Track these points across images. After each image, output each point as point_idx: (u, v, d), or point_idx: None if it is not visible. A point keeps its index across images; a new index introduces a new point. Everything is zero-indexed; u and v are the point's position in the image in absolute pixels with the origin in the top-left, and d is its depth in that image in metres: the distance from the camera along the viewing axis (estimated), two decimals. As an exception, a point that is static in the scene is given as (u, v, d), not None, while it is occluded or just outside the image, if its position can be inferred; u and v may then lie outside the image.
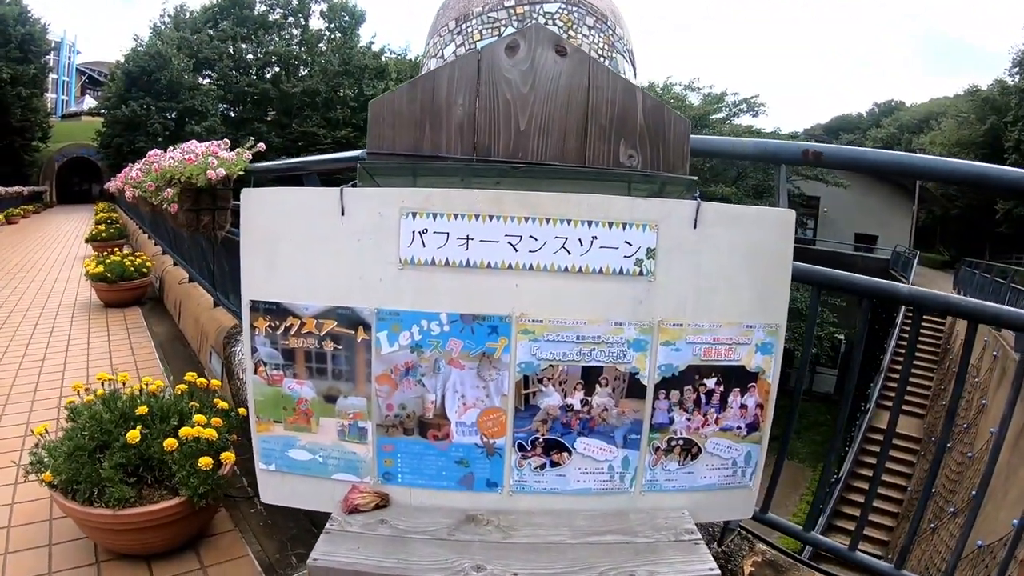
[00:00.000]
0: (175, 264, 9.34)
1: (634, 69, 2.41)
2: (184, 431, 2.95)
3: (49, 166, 43.80)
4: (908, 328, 20.35)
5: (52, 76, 54.70)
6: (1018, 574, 3.14)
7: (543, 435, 1.83)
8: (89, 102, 60.31)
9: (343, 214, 1.75)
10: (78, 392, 3.41)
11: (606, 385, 1.81)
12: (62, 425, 3.23)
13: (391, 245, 1.75)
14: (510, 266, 1.74)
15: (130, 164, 7.76)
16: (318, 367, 1.83)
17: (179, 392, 3.44)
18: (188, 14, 46.03)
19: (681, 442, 1.89)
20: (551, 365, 1.79)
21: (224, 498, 3.28)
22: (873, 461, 17.98)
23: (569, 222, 1.73)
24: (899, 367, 20.45)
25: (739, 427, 1.91)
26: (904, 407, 18.13)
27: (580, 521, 1.83)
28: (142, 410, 3.11)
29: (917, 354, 20.61)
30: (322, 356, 1.82)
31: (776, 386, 1.92)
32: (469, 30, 2.20)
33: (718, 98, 34.51)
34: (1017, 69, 35.26)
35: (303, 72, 46.90)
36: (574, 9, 2.15)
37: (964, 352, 2.26)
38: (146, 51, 41.13)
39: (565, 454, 1.84)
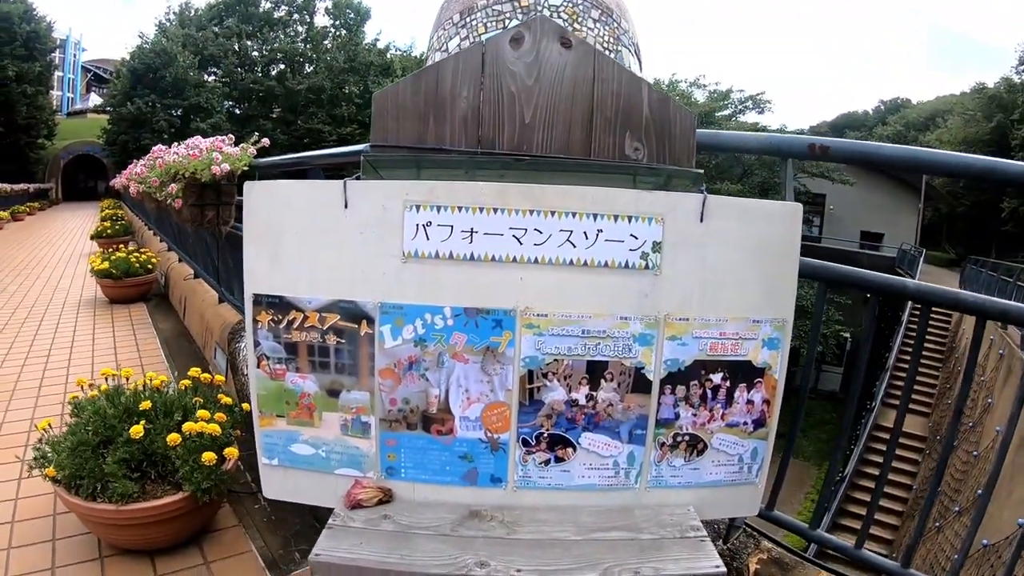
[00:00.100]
0: (180, 260, 9.35)
1: (639, 63, 2.39)
2: (187, 426, 2.94)
3: (55, 163, 43.90)
4: (914, 326, 20.38)
5: (57, 74, 54.85)
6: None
7: (548, 430, 1.81)
8: (94, 99, 60.42)
9: (346, 207, 1.74)
10: (82, 387, 3.40)
11: (611, 380, 1.79)
12: (66, 420, 3.23)
13: (395, 238, 1.73)
14: (515, 259, 1.72)
15: (135, 160, 7.77)
16: (321, 361, 1.82)
17: (183, 387, 3.44)
18: (193, 11, 46.10)
19: (687, 438, 1.87)
20: (556, 359, 1.77)
21: (228, 493, 3.27)
22: (878, 459, 17.96)
23: (574, 215, 1.72)
24: (905, 365, 20.44)
25: (745, 423, 1.90)
26: (909, 405, 18.11)
27: (585, 517, 1.82)
28: (146, 405, 3.10)
29: (923, 352, 20.59)
30: (325, 350, 1.80)
31: (783, 382, 1.90)
32: (474, 23, 2.18)
33: (724, 95, 34.50)
34: (1024, 67, 35.15)
35: (308, 69, 46.90)
36: (579, 2, 2.14)
37: (972, 349, 2.24)
38: (151, 48, 41.21)
39: (570, 449, 1.83)
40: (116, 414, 3.08)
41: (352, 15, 48.46)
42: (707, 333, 1.81)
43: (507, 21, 2.13)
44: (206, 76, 44.81)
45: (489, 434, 1.81)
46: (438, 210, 1.71)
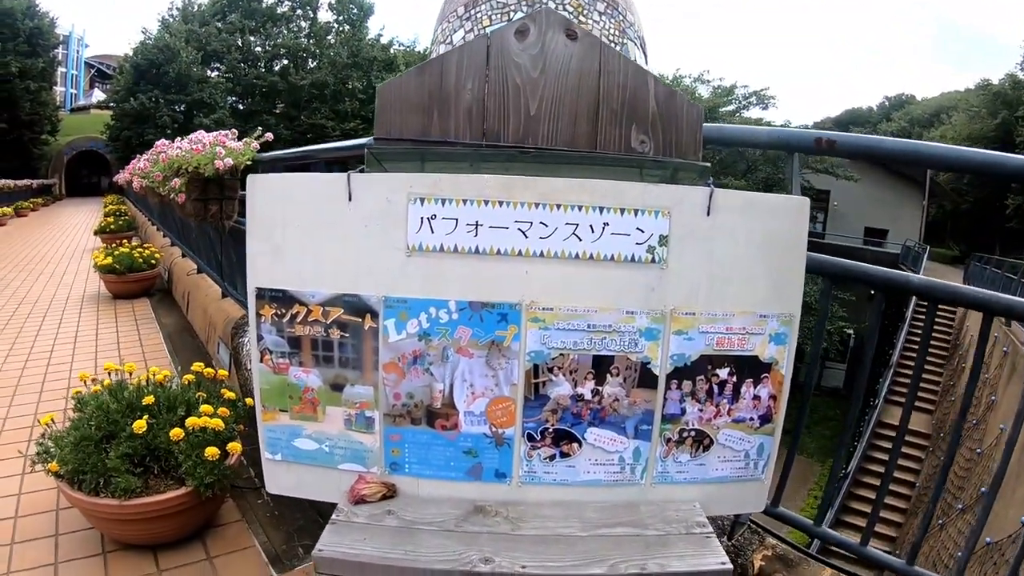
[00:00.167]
0: (183, 255, 9.34)
1: (645, 56, 2.38)
2: (191, 421, 2.93)
3: (58, 159, 43.91)
4: (918, 323, 20.35)
5: (61, 70, 54.88)
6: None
7: (553, 425, 1.80)
8: (98, 95, 60.51)
9: (350, 200, 1.72)
10: (85, 382, 3.40)
11: (617, 375, 1.78)
12: (69, 415, 3.22)
13: (399, 231, 1.72)
14: (520, 253, 1.71)
15: (139, 156, 7.76)
16: (325, 355, 1.80)
17: (186, 382, 3.43)
18: (196, 7, 46.09)
19: (693, 433, 1.86)
20: (561, 354, 1.76)
21: (231, 488, 3.26)
22: (882, 456, 17.97)
23: (580, 208, 1.70)
24: (909, 362, 20.40)
25: (752, 419, 1.88)
26: (905, 402, 18.08)
27: (590, 513, 1.80)
28: (149, 400, 3.10)
29: (917, 349, 20.54)
30: (329, 344, 1.79)
31: (790, 377, 1.89)
32: (478, 16, 2.17)
33: (728, 91, 34.45)
34: (1029, 64, 35.08)
35: (312, 64, 46.89)
36: (585, -6, 2.12)
37: (978, 345, 2.22)
38: (154, 44, 41.24)
39: (575, 445, 1.82)
40: (119, 409, 3.08)
41: (355, 10, 48.43)
42: (713, 328, 1.80)
43: (512, 13, 2.12)
44: (209, 72, 44.82)
45: (494, 429, 1.80)
46: (443, 203, 1.70)
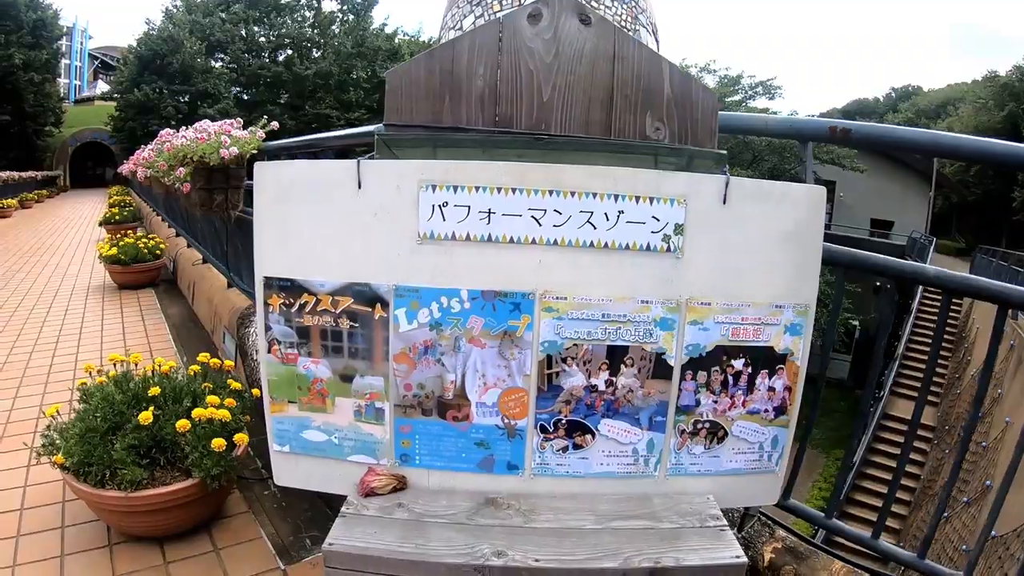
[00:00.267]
0: (188, 246, 9.33)
1: (657, 43, 2.34)
2: (197, 412, 2.91)
3: (62, 151, 43.92)
4: (924, 315, 20.29)
5: (64, 61, 54.82)
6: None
7: (566, 416, 1.78)
8: (102, 87, 60.37)
9: (360, 187, 1.69)
10: (90, 373, 3.37)
11: (631, 365, 1.76)
12: (74, 407, 3.20)
13: (410, 219, 1.69)
14: (534, 241, 1.68)
15: (143, 146, 7.73)
16: (334, 345, 1.78)
17: (192, 373, 3.41)
18: (200, -3, 45.98)
19: (707, 425, 1.84)
20: (575, 344, 1.73)
21: (237, 480, 3.25)
22: (886, 448, 17.95)
23: (595, 196, 1.67)
24: (914, 354, 20.37)
25: (766, 410, 1.87)
26: (917, 394, 18.07)
27: (603, 505, 1.78)
28: (155, 391, 3.07)
29: (931, 341, 20.51)
30: (338, 334, 1.77)
31: (805, 369, 1.87)
32: (489, 1, 2.13)
33: (734, 80, 34.32)
34: (1036, 56, 34.95)
35: (316, 54, 46.71)
36: (597, -21, 2.08)
37: (993, 338, 2.19)
38: (158, 35, 41.15)
39: (588, 436, 1.79)
40: (125, 400, 3.05)
41: (359, 0, 48.25)
42: (729, 318, 1.78)
43: (522, -1, 2.08)
44: (213, 62, 44.71)
45: (506, 420, 1.77)
46: (455, 190, 1.67)
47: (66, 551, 2.91)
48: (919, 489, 16.59)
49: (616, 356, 1.75)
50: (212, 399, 3.03)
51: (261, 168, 1.78)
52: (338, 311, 1.75)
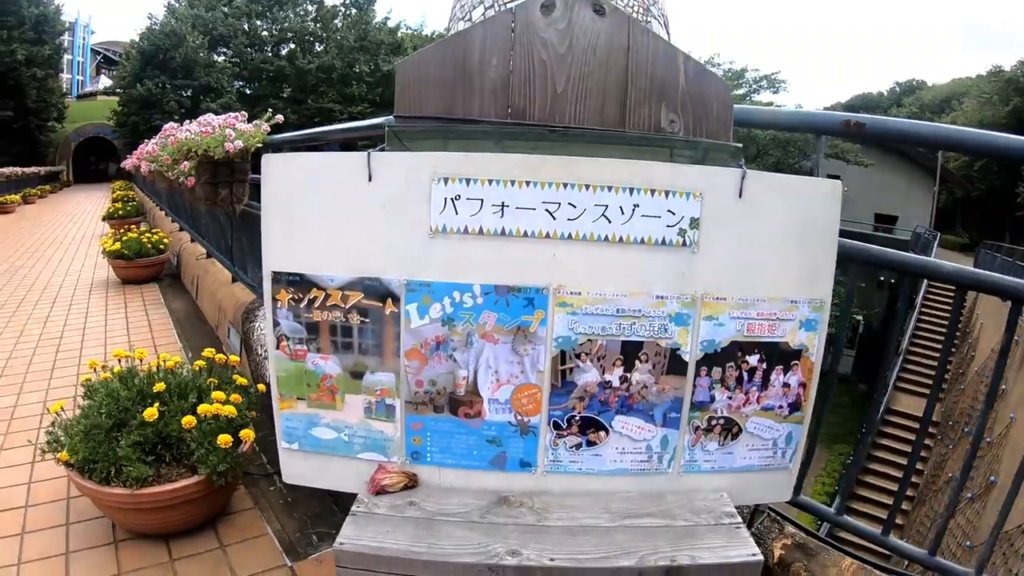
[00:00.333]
0: (192, 240, 9.30)
1: (668, 35, 2.31)
2: (203, 408, 2.88)
3: (65, 146, 43.90)
4: (927, 310, 20.23)
5: (67, 57, 54.74)
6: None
7: (580, 413, 1.75)
8: (104, 82, 60.39)
9: (370, 180, 1.67)
10: (94, 369, 3.35)
11: (646, 361, 1.73)
12: (78, 403, 3.18)
13: (422, 212, 1.66)
14: (547, 235, 1.66)
15: (146, 140, 7.71)
16: (344, 341, 1.75)
17: (197, 368, 3.38)
18: (202, -9, 45.89)
19: (722, 421, 1.82)
20: (589, 340, 1.71)
21: (243, 476, 3.22)
22: (889, 444, 17.92)
23: (610, 189, 1.65)
24: (918, 349, 20.33)
25: (781, 406, 1.85)
26: (921, 390, 18.05)
27: (616, 503, 1.77)
28: (160, 387, 3.05)
29: (935, 336, 20.48)
30: (348, 330, 1.74)
31: (820, 364, 1.85)
32: (499, -9, 2.10)
33: (738, 74, 34.27)
34: (1041, 50, 34.91)
35: (318, 48, 46.60)
36: (609, -31, 2.05)
37: (1006, 335, 2.16)
38: (161, 29, 41.10)
39: (602, 433, 1.77)
40: (129, 396, 3.03)
41: (362, -7, 48.16)
42: (744, 313, 1.76)
43: (533, -11, 2.05)
44: (216, 56, 44.66)
45: (519, 417, 1.75)
46: (467, 183, 1.64)
47: (71, 548, 2.89)
48: (922, 484, 16.57)
49: (630, 352, 1.72)
50: (218, 395, 3.00)
51: (269, 160, 1.75)
52: (348, 306, 1.72)
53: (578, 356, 1.71)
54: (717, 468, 1.85)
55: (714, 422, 1.81)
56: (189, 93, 41.31)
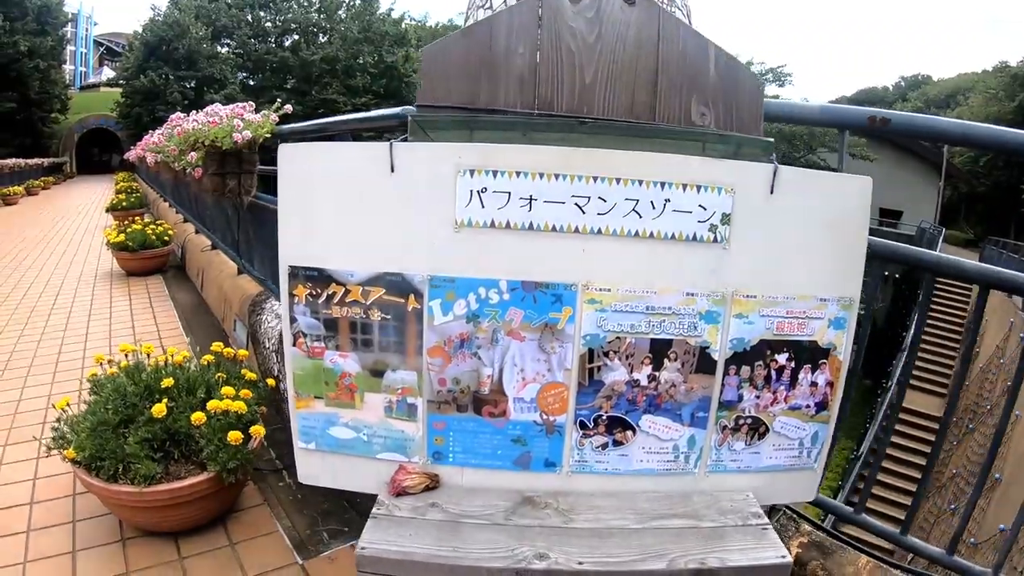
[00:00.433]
0: (197, 232, 9.26)
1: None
2: (213, 404, 2.84)
3: (68, 137, 43.87)
4: (935, 305, 20.16)
5: (70, 48, 54.59)
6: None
7: (607, 412, 1.71)
8: (107, 73, 60.28)
9: (393, 171, 1.62)
10: (101, 364, 3.31)
11: (675, 359, 1.69)
12: (84, 398, 3.13)
13: (446, 205, 1.61)
14: (577, 230, 1.61)
15: (151, 132, 7.65)
16: (364, 339, 1.71)
17: (205, 363, 3.34)
18: (205, -18, 45.76)
19: (749, 421, 1.78)
20: (618, 337, 1.66)
21: (252, 471, 3.18)
22: (894, 439, 17.88)
23: (641, 183, 1.60)
24: (923, 345, 20.27)
25: (808, 406, 1.82)
26: (925, 386, 18.00)
27: (642, 503, 1.73)
28: (168, 382, 3.00)
29: (940, 332, 20.43)
30: (368, 327, 1.69)
31: (847, 363, 1.81)
32: (519, -20, 2.05)
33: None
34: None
35: (322, 39, 46.49)
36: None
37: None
38: (164, 20, 41.03)
39: (629, 432, 1.73)
40: (137, 392, 2.99)
41: (366, -15, 48.00)
42: (774, 311, 1.72)
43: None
44: (219, 47, 44.57)
45: (544, 416, 1.70)
46: (494, 175, 1.59)
47: (78, 546, 2.85)
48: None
49: (659, 350, 1.68)
50: (228, 390, 2.95)
51: (286, 150, 1.70)
52: (368, 302, 1.67)
53: (606, 354, 1.66)
54: (743, 468, 1.81)
55: (741, 421, 1.77)
56: (192, 84, 41.27)
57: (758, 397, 1.76)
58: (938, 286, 22.61)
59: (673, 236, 1.62)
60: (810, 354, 1.77)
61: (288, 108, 4.09)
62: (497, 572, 1.46)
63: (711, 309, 1.67)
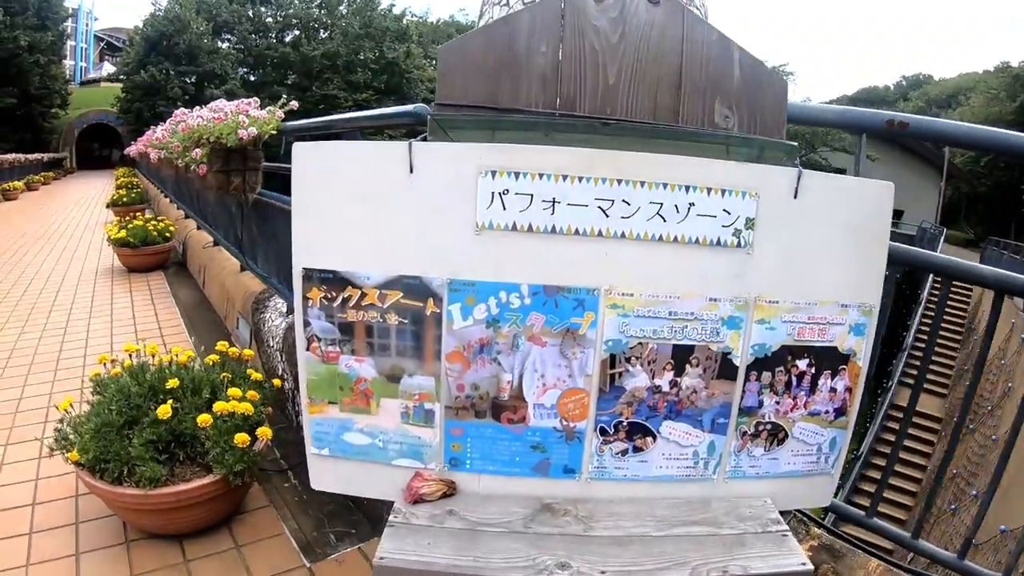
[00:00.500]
0: (198, 228, 9.23)
1: (706, 25, 2.23)
2: (219, 406, 2.81)
3: (69, 133, 43.86)
4: (933, 305, 20.18)
5: (70, 43, 54.63)
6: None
7: (627, 418, 1.68)
8: (108, 68, 60.32)
9: (412, 171, 1.58)
10: (104, 364, 3.27)
11: (697, 365, 1.66)
12: (87, 398, 3.10)
13: (467, 207, 1.58)
14: (600, 233, 1.57)
15: (152, 127, 7.63)
16: (380, 343, 1.67)
17: (210, 363, 3.31)
18: (206, -22, 45.70)
19: (768, 427, 1.76)
20: (640, 343, 1.63)
21: (258, 472, 3.16)
22: (892, 439, 17.89)
23: (665, 186, 1.57)
24: (923, 345, 20.26)
25: (827, 411, 1.79)
26: (926, 386, 18.00)
27: (661, 510, 1.70)
28: (173, 383, 2.97)
29: (940, 332, 20.44)
30: (385, 331, 1.66)
31: (866, 369, 1.79)
32: (534, -23, 2.01)
33: (745, 67, 34.17)
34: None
35: (323, 35, 46.51)
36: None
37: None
38: (165, 15, 41.07)
39: (649, 439, 1.70)
40: (141, 392, 2.96)
41: (367, -20, 47.95)
42: (796, 317, 1.69)
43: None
44: (220, 43, 44.60)
45: (564, 422, 1.67)
46: (516, 177, 1.56)
47: (81, 549, 2.83)
48: (924, 480, 16.56)
49: (681, 356, 1.65)
50: (234, 391, 2.93)
51: (301, 149, 1.66)
52: (385, 306, 1.64)
53: (628, 360, 1.63)
54: (762, 474, 1.79)
55: (761, 427, 1.75)
56: (193, 80, 41.28)
57: (778, 403, 1.74)
58: (937, 286, 22.60)
59: (697, 240, 1.59)
60: (830, 360, 1.74)
61: (294, 104, 4.07)
62: (518, 582, 1.44)
63: (734, 315, 1.64)
